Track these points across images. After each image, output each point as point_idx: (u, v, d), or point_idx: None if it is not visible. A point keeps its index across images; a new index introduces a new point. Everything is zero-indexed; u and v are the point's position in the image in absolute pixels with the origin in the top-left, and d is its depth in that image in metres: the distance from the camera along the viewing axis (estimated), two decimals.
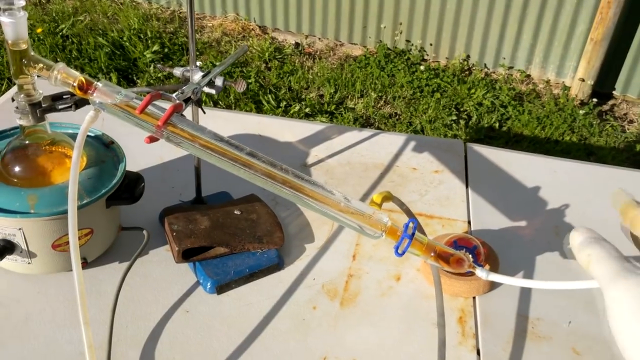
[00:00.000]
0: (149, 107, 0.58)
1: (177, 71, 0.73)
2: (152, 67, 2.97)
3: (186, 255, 0.72)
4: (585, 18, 2.86)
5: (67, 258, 0.69)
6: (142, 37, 3.24)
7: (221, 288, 0.71)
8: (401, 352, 0.66)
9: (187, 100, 0.67)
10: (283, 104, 2.79)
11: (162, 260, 0.75)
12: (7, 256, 0.66)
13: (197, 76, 0.71)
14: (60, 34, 3.24)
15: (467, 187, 0.93)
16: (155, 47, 3.12)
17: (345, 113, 2.76)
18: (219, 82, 0.71)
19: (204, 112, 0.73)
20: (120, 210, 0.77)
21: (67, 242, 0.67)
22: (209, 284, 0.71)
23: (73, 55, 3.05)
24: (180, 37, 3.35)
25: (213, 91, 0.71)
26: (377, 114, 2.79)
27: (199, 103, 0.71)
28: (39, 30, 3.19)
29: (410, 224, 0.60)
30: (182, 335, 0.66)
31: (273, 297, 0.71)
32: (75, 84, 0.59)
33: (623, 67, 2.94)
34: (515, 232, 0.84)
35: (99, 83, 0.59)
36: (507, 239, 0.82)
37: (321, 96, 2.91)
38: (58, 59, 2.82)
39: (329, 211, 0.60)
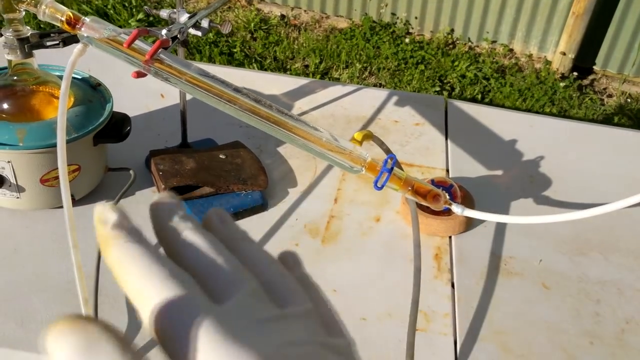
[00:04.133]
0: (137, 42, 0.59)
1: (164, 13, 0.74)
2: None
3: None
4: None
5: (55, 194, 0.70)
6: (127, 5, 3.20)
7: None
8: (379, 284, 0.69)
9: (173, 39, 0.68)
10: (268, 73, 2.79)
11: (148, 201, 0.76)
12: None
13: (183, 18, 0.72)
14: None
15: (446, 138, 0.96)
16: (140, 16, 3.09)
17: None
18: (204, 23, 0.72)
19: (190, 53, 0.74)
20: (107, 155, 0.78)
21: (56, 177, 0.68)
22: None
23: None
24: (165, 6, 3.31)
25: (199, 33, 0.73)
26: (361, 84, 2.80)
27: (185, 44, 0.72)
28: None
29: (389, 160, 0.63)
30: None
31: (256, 235, 0.74)
32: (63, 19, 0.60)
33: (603, 42, 2.97)
34: (491, 180, 0.87)
35: (86, 18, 0.60)
36: (484, 186, 0.85)
37: (306, 66, 2.91)
38: (40, 24, 2.78)
39: (312, 146, 0.62)
